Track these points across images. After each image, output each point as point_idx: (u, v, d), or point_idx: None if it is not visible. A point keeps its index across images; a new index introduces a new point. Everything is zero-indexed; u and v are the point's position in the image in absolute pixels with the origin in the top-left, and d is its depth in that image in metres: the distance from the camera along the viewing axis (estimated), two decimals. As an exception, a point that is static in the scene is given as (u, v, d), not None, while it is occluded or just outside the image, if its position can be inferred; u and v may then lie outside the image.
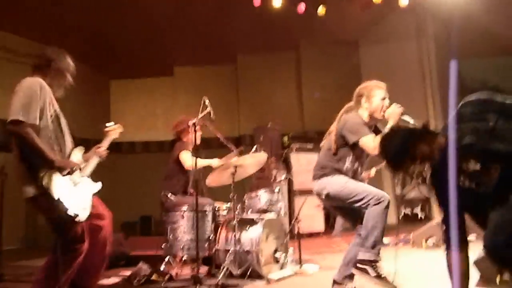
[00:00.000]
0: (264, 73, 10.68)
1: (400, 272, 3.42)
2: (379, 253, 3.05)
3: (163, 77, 11.22)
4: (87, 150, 3.06)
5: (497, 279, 3.04)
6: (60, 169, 2.61)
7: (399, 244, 5.97)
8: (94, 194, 2.92)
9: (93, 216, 2.85)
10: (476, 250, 2.86)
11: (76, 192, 2.69)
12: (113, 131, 3.29)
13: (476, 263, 3.06)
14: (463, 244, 2.33)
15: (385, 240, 6.03)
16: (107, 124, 3.33)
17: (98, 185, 2.96)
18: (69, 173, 2.67)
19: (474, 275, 2.82)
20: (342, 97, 10.52)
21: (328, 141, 3.44)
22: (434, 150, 2.22)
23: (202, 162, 4.38)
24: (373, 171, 6.73)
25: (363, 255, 3.06)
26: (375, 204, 3.05)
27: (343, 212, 3.44)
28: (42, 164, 2.56)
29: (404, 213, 8.72)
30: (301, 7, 7.76)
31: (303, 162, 7.95)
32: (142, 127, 10.95)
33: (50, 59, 2.88)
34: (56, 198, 2.55)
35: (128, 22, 8.80)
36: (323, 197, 3.28)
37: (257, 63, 10.71)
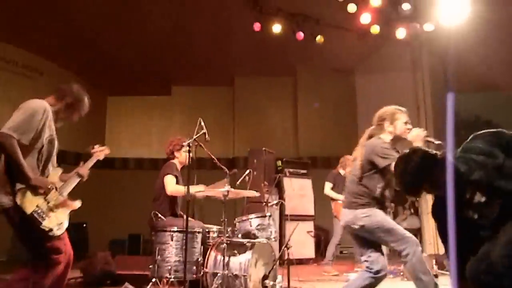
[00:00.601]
0: (260, 97, 10.77)
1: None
2: None
3: (161, 96, 11.28)
4: (77, 164, 3.08)
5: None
6: (36, 187, 2.66)
7: (390, 275, 5.91)
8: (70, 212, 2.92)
9: None
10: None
11: (51, 210, 2.72)
12: (100, 152, 3.33)
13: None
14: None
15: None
16: (94, 147, 3.36)
17: (76, 203, 2.95)
18: (44, 193, 2.71)
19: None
20: (337, 124, 10.64)
21: (354, 168, 3.41)
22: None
23: (181, 189, 4.39)
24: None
25: None
26: (415, 251, 3.08)
27: (365, 244, 3.36)
28: (21, 180, 2.63)
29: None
30: (300, 34, 7.89)
31: (296, 187, 7.94)
32: (136, 144, 10.94)
33: (70, 95, 2.97)
34: (28, 213, 2.59)
35: (129, 40, 8.89)
36: (357, 227, 3.26)
37: (254, 86, 10.81)
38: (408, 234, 3.21)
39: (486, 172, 2.18)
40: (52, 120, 2.86)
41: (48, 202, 2.72)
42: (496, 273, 2.02)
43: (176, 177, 4.52)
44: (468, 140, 2.33)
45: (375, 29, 7.79)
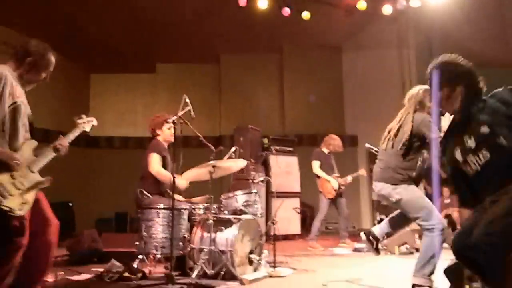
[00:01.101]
0: (246, 74, 10.69)
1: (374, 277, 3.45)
2: (432, 279, 3.20)
3: (145, 74, 11.12)
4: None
5: (467, 288, 3.11)
6: (1, 163, 2.51)
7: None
8: (40, 189, 2.75)
9: (38, 219, 2.72)
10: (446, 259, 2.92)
11: (16, 187, 2.55)
12: (85, 123, 3.09)
13: (446, 272, 3.12)
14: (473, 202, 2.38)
15: (360, 245, 6.12)
16: (82, 117, 3.10)
17: (45, 180, 2.74)
18: (9, 168, 2.54)
19: (444, 284, 2.87)
20: (323, 101, 10.64)
21: (392, 141, 3.47)
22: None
23: (166, 174, 4.31)
24: (349, 178, 6.86)
25: (419, 280, 3.18)
26: (439, 234, 3.20)
27: (396, 216, 3.59)
28: None
29: (380, 218, 8.85)
30: (286, 10, 7.81)
31: (282, 164, 7.99)
32: (121, 122, 10.83)
33: (29, 52, 2.76)
34: None
35: (112, 16, 8.69)
36: (394, 200, 3.39)
37: (240, 63, 10.72)
38: (440, 215, 3.39)
39: (494, 118, 2.21)
40: (15, 86, 2.66)
41: (14, 179, 2.55)
42: (476, 250, 2.08)
43: (164, 156, 4.47)
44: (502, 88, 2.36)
45: (362, 5, 7.75)
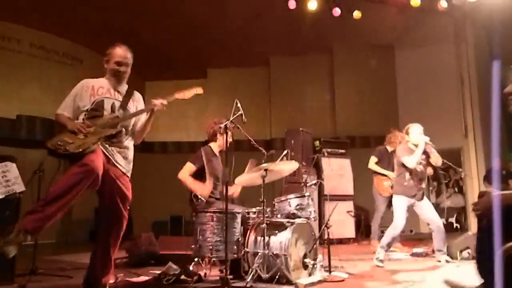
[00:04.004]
0: (296, 76, 10.65)
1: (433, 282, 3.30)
2: None
3: (196, 79, 11.34)
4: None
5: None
6: (71, 131, 3.17)
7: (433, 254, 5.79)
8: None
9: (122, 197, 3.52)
10: None
11: (77, 137, 3.16)
12: (186, 92, 3.80)
13: None
14: None
15: (420, 249, 5.89)
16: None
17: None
18: (75, 132, 3.17)
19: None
20: (375, 102, 10.37)
21: None
22: None
23: (190, 184, 4.45)
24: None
25: None
26: None
27: None
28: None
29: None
30: (337, 10, 7.70)
31: (335, 167, 7.87)
32: (174, 127, 11.10)
33: (105, 55, 3.55)
34: (48, 145, 3.06)
35: (163, 25, 8.95)
36: None
37: (290, 65, 10.69)
38: None
39: None
40: (98, 88, 3.42)
41: (76, 135, 3.16)
42: None
43: (201, 166, 4.50)
44: None
45: (415, 1, 7.48)
